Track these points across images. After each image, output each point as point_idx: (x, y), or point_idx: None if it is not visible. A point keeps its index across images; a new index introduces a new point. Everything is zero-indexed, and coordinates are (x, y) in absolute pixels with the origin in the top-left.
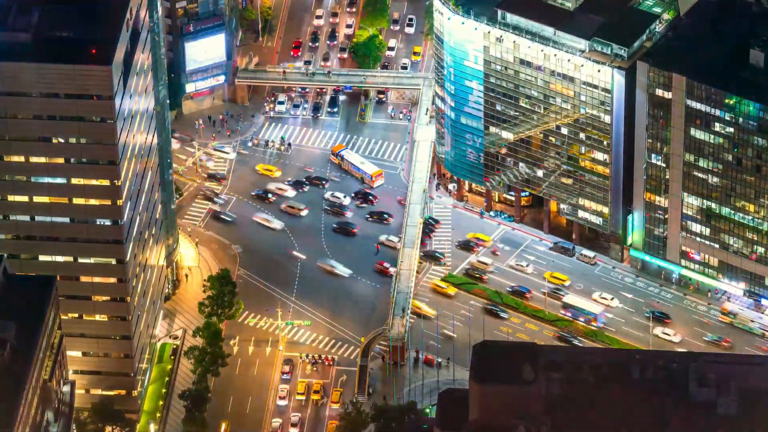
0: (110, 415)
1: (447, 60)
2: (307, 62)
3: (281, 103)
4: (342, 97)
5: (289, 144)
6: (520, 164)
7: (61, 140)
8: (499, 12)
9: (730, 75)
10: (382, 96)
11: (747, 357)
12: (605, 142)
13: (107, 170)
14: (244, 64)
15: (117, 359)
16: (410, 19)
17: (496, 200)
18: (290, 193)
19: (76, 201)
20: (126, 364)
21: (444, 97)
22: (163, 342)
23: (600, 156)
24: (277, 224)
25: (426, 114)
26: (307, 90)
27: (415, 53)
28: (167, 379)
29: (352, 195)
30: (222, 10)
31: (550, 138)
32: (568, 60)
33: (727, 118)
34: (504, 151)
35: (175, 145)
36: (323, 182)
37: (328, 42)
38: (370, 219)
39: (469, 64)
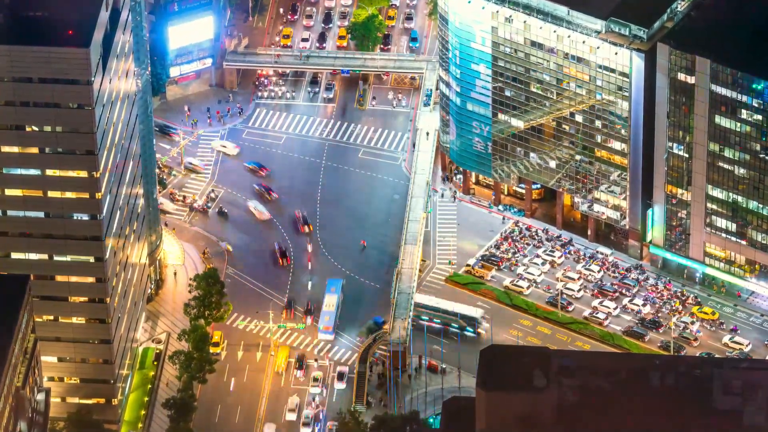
0: (88, 425)
1: (452, 42)
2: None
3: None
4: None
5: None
6: (531, 154)
7: (35, 128)
8: None
9: (757, 58)
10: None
11: None
12: (623, 131)
13: (85, 161)
14: (233, 46)
15: (96, 365)
16: None
17: (505, 193)
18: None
19: (52, 194)
20: (105, 370)
21: (449, 81)
22: (146, 346)
23: (617, 145)
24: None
25: (428, 98)
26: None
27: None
28: (150, 386)
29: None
30: None
31: (564, 126)
32: (583, 42)
33: (755, 104)
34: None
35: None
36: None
37: (323, 25)
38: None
39: (476, 47)
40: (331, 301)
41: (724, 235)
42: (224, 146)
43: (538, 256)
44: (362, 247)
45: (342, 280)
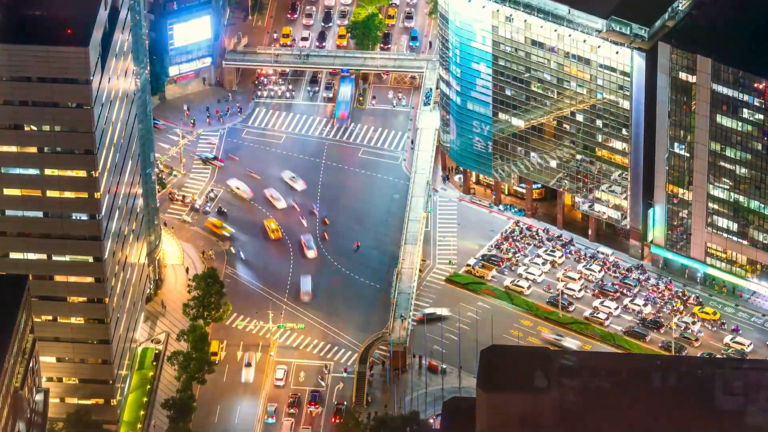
0: (87, 426)
1: (452, 41)
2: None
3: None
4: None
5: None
6: (532, 154)
7: (34, 128)
8: None
9: (759, 57)
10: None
11: None
12: (624, 130)
13: (84, 160)
14: (233, 45)
15: (94, 365)
16: None
17: (506, 193)
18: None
19: (50, 194)
20: (104, 371)
21: (449, 81)
22: (145, 347)
23: (618, 145)
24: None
25: (428, 98)
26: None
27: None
28: (149, 386)
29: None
30: None
31: (565, 125)
32: (584, 41)
33: (756, 103)
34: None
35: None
36: None
37: (323, 24)
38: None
39: (476, 46)
40: (346, 91)
41: (725, 234)
42: (238, 188)
43: (538, 255)
44: (355, 249)
45: (353, 77)
